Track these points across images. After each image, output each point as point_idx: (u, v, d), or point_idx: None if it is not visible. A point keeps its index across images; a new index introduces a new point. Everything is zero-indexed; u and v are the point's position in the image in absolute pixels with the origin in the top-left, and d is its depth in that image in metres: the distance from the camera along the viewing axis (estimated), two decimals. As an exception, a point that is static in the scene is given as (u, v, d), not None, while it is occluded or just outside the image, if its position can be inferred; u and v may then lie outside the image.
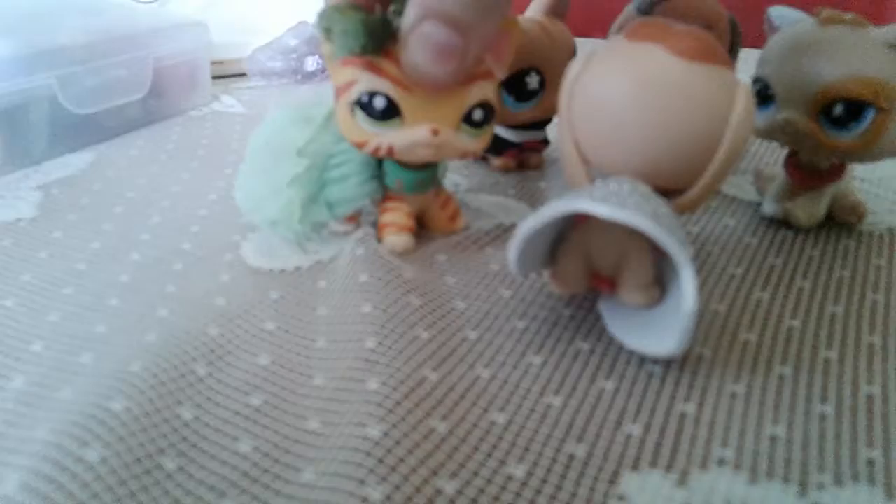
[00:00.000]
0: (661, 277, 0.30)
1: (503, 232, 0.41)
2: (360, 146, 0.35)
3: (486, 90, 0.34)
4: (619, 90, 0.28)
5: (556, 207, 0.28)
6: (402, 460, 0.24)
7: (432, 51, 0.30)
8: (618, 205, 0.26)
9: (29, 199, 0.46)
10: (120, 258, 0.39)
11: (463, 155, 0.36)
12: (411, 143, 0.34)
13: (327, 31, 0.32)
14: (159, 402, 0.27)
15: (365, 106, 0.33)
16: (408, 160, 0.36)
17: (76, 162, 0.53)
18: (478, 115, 0.34)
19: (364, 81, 0.33)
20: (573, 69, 0.31)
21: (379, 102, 0.33)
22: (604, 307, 0.32)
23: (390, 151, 0.34)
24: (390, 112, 0.33)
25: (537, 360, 0.30)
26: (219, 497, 0.23)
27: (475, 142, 0.35)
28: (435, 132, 0.33)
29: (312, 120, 0.38)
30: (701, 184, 0.29)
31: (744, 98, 0.28)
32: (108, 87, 0.56)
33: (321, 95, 0.38)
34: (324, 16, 0.32)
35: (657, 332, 0.28)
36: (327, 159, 0.37)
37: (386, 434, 0.25)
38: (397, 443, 0.24)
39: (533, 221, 0.28)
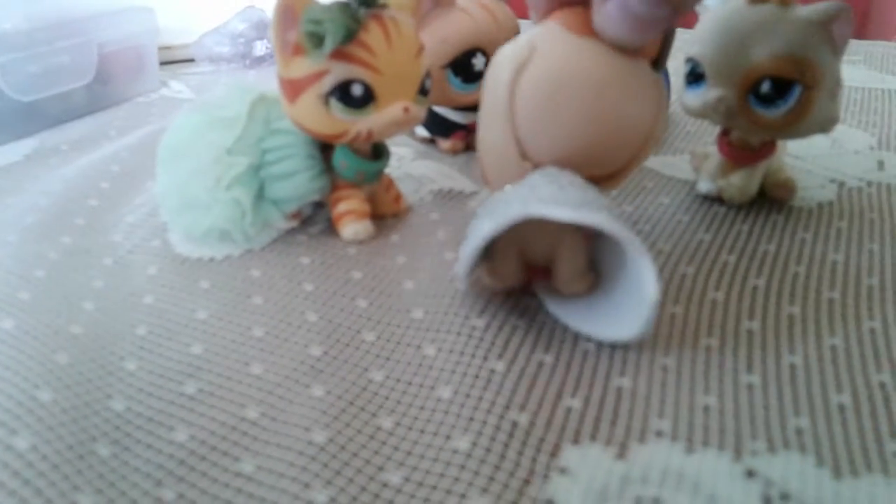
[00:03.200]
0: (593, 261, 0.30)
1: (445, 197, 0.41)
2: (336, 137, 0.34)
3: (426, 59, 0.35)
4: (560, 84, 0.28)
5: (509, 215, 0.26)
6: (347, 463, 0.23)
7: (633, 23, 0.27)
8: (570, 205, 0.25)
9: (-30, 188, 0.44)
10: (52, 237, 0.37)
11: (417, 124, 0.36)
12: (388, 123, 0.33)
13: (317, 25, 0.31)
14: (87, 396, 0.26)
15: (342, 95, 0.32)
16: (379, 139, 0.36)
17: (20, 149, 0.50)
18: (428, 83, 0.35)
19: (337, 71, 0.32)
20: (509, 67, 0.28)
21: (357, 90, 0.32)
22: (542, 291, 0.31)
23: (369, 136, 0.34)
24: (367, 98, 0.33)
25: (480, 322, 0.29)
26: (156, 485, 0.22)
27: (423, 110, 0.35)
28: (407, 110, 0.33)
29: (228, 120, 0.35)
30: (630, 168, 0.30)
31: (660, 89, 0.29)
32: (52, 74, 0.54)
33: (224, 96, 0.37)
34: (317, 12, 0.31)
35: (608, 317, 0.28)
36: (262, 155, 0.35)
37: (331, 440, 0.24)
38: (342, 447, 0.24)
39: (486, 231, 0.27)
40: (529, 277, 0.31)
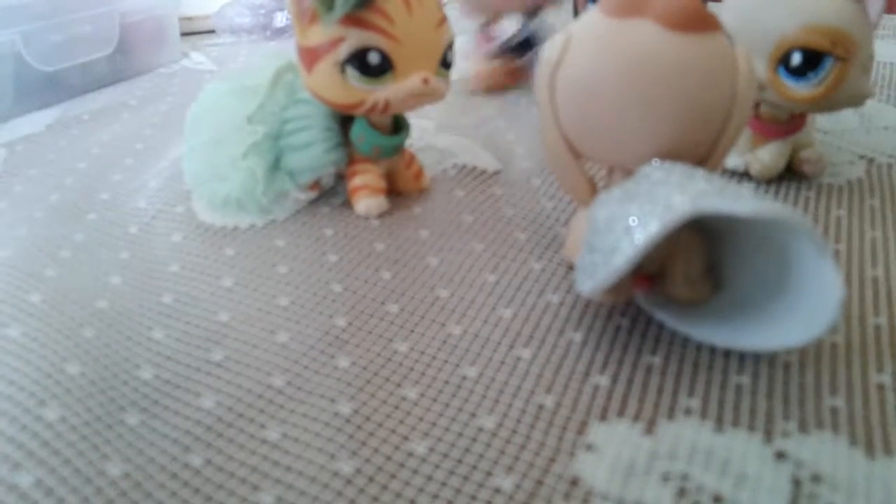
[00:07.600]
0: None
1: (469, 175, 0.40)
2: (353, 108, 0.33)
3: (450, 31, 0.34)
4: (612, 76, 0.25)
5: (675, 213, 0.21)
6: (372, 434, 0.23)
7: None
8: (741, 199, 0.22)
9: (-7, 157, 0.44)
10: (78, 215, 0.37)
11: (439, 98, 0.34)
12: (406, 94, 0.32)
13: None
14: (115, 367, 0.26)
15: (358, 63, 0.31)
16: (397, 112, 0.34)
17: (42, 119, 0.50)
18: (450, 55, 0.34)
19: (353, 38, 0.31)
20: (550, 56, 0.27)
21: (374, 58, 0.31)
22: (648, 303, 0.27)
23: (386, 107, 0.33)
24: (385, 66, 0.31)
25: (508, 313, 0.28)
26: (183, 451, 0.22)
27: (446, 83, 0.34)
28: (426, 81, 0.32)
29: (253, 89, 0.35)
30: (717, 156, 0.26)
31: (745, 61, 0.25)
32: (74, 44, 0.53)
33: (257, 65, 0.36)
34: None
35: (752, 324, 0.25)
36: (281, 125, 0.34)
37: (356, 411, 0.24)
38: (367, 418, 0.23)
39: (653, 233, 0.22)
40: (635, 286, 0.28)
